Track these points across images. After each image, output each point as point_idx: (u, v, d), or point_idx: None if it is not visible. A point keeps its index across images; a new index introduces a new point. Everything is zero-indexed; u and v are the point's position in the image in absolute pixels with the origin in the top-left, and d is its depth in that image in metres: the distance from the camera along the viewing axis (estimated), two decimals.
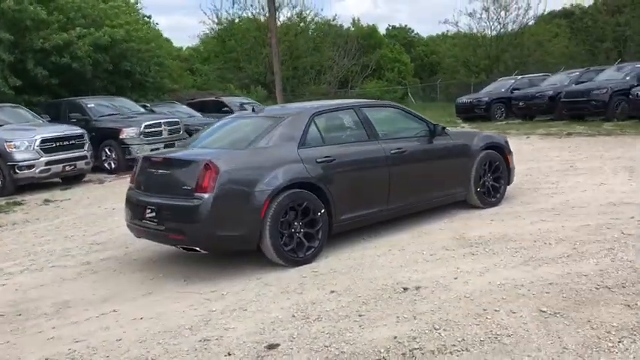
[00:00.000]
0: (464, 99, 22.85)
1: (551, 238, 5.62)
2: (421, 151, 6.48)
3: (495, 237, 5.83)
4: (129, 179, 6.12)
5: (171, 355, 3.76)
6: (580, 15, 38.59)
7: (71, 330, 4.35)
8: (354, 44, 37.45)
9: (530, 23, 33.84)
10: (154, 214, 5.39)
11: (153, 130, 14.10)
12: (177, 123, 14.91)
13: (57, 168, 11.75)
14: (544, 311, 3.91)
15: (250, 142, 5.52)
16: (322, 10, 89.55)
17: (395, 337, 3.70)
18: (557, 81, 20.86)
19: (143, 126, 13.94)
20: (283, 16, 32.25)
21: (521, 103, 20.41)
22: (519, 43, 30.88)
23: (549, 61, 29.51)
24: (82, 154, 12.24)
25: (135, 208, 5.70)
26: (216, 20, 32.51)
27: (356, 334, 3.80)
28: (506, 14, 33.02)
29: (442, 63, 47.34)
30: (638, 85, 17.21)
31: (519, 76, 23.17)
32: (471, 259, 5.23)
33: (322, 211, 5.55)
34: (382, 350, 3.53)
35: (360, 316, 4.11)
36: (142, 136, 13.88)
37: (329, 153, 5.71)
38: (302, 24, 34.78)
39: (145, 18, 24.40)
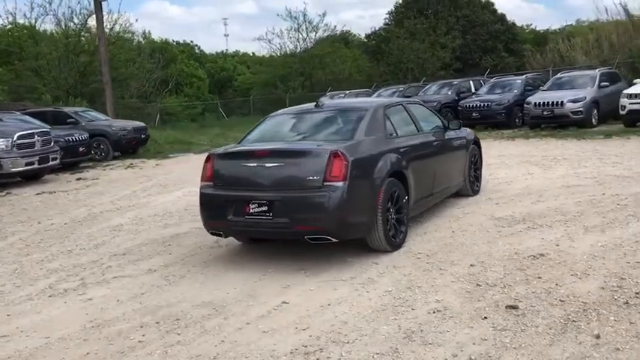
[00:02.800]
0: None
1: (571, 212, 6.71)
2: (446, 142, 7.16)
3: (525, 215, 6.74)
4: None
5: (433, 325, 3.89)
6: (365, 39, 42.84)
7: (270, 322, 4.14)
8: (157, 57, 36.40)
9: (310, 46, 36.57)
10: (264, 207, 5.22)
11: (26, 141, 12.51)
12: (48, 133, 13.42)
13: None
14: None
15: (352, 133, 5.66)
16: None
17: (602, 288, 4.33)
18: (385, 95, 23.16)
19: (16, 137, 12.29)
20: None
21: None
22: (329, 61, 33.23)
23: (356, 79, 32.36)
24: None
25: (228, 206, 5.41)
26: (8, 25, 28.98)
27: (567, 290, 4.33)
28: (315, 34, 35.53)
29: (238, 79, 48.57)
30: (460, 99, 20.12)
31: (347, 91, 25.09)
32: (539, 231, 6.06)
33: (407, 197, 5.92)
34: (617, 298, 4.12)
35: (538, 278, 4.65)
36: (14, 148, 12.23)
37: (405, 143, 6.10)
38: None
39: None
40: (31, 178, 13.39)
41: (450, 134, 7.43)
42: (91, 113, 19.74)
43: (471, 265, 5.09)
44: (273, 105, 34.33)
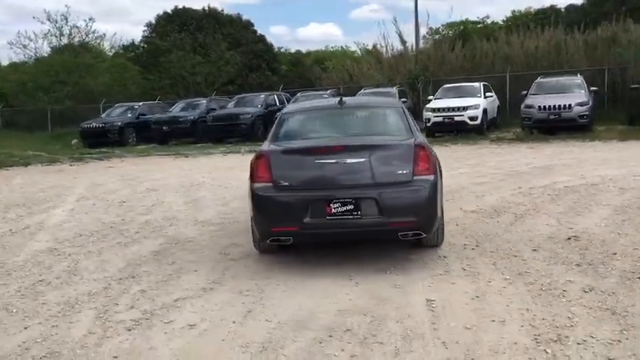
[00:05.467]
0: (92, 123, 21.88)
1: (526, 204, 7.45)
2: None
3: (494, 207, 7.28)
4: None
5: (618, 301, 4.07)
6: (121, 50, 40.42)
7: (453, 319, 3.90)
8: None
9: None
10: (350, 206, 4.81)
11: None
12: None
13: None
14: None
15: (407, 128, 5.49)
16: None
17: None
18: (187, 107, 22.44)
19: None
20: None
21: (165, 127, 21.01)
22: (98, 72, 30.47)
23: (133, 91, 30.42)
24: None
25: (301, 207, 4.83)
26: None
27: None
28: (84, 40, 32.41)
29: None
30: (270, 112, 20.54)
31: (141, 103, 23.57)
32: (529, 219, 6.62)
33: None
34: None
35: (614, 254, 5.14)
36: None
37: None
38: None
39: None
40: None
41: None
42: None
43: (533, 250, 5.39)
44: (31, 117, 30.16)
